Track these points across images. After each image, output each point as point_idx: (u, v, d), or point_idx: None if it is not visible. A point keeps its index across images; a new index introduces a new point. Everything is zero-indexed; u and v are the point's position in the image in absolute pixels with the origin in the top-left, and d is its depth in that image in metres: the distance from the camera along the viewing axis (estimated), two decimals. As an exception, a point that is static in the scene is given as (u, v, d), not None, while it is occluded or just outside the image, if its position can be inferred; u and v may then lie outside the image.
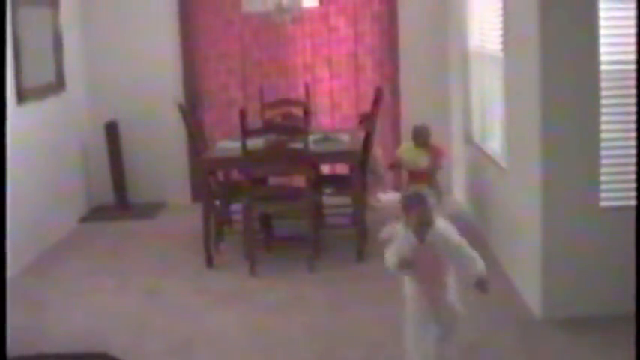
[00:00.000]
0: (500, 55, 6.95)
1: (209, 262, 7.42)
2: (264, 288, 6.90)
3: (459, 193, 9.11)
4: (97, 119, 9.54)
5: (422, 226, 4.61)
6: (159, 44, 9.64)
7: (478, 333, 5.72)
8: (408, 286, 4.90)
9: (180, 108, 7.82)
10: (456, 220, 7.00)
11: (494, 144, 7.59)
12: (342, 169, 9.13)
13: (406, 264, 4.64)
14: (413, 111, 9.53)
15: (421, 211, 4.59)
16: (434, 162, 7.85)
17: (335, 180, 8.66)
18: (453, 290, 4.88)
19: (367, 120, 8.20)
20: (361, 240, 7.49)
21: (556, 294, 5.85)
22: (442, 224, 4.71)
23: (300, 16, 9.45)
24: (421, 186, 6.84)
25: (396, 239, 4.78)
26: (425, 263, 4.67)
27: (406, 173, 8.17)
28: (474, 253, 4.73)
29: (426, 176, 7.75)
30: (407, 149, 8.04)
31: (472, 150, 8.40)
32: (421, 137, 7.80)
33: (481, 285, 4.69)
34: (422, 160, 7.82)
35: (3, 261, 3.04)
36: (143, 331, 6.10)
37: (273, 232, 8.08)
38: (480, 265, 4.70)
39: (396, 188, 9.45)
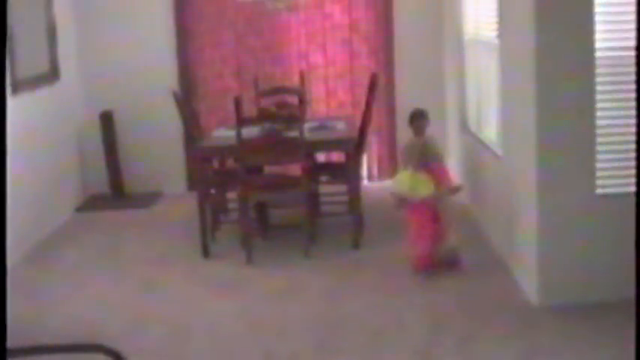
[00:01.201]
0: (496, 41, 6.94)
1: (205, 251, 7.42)
2: (260, 276, 6.90)
3: (454, 181, 9.10)
4: (92, 109, 9.52)
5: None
6: (153, 33, 9.63)
7: (474, 319, 5.73)
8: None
9: (175, 96, 7.80)
10: (452, 208, 7.04)
11: (490, 131, 7.58)
12: (337, 156, 9.12)
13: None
14: (408, 98, 9.52)
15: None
16: (439, 186, 6.77)
17: (331, 168, 8.66)
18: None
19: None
20: (357, 228, 7.49)
21: (552, 281, 5.86)
22: None
23: (294, 4, 9.45)
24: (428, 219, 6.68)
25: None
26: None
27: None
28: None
29: (433, 206, 6.72)
30: (402, 180, 6.84)
31: (468, 138, 8.40)
32: (418, 121, 7.49)
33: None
34: (423, 187, 6.68)
35: (3, 259, 3.02)
36: (139, 320, 6.10)
37: (269, 220, 8.08)
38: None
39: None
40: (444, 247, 6.64)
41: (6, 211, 3.21)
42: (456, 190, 7.10)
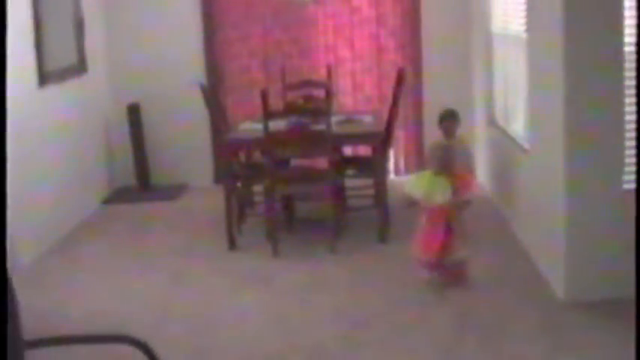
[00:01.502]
0: (524, 36, 6.91)
1: (231, 243, 7.43)
2: (286, 269, 6.90)
3: (482, 175, 9.07)
4: (119, 101, 9.56)
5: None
6: (180, 26, 9.65)
7: (500, 313, 5.71)
8: None
9: (202, 89, 7.82)
10: (479, 202, 7.02)
11: (518, 126, 7.55)
12: (364, 150, 9.11)
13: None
14: (435, 93, 9.51)
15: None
16: (457, 194, 6.27)
17: (357, 161, 8.64)
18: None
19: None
20: (383, 221, 7.47)
21: (580, 276, 5.83)
22: None
23: (321, -3, 9.44)
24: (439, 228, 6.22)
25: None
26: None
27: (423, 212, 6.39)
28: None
29: (446, 215, 6.24)
30: (418, 183, 6.44)
31: (495, 132, 8.36)
32: (447, 121, 7.56)
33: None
34: (440, 193, 6.20)
35: (3, 259, 3.03)
36: (165, 313, 6.11)
37: (295, 213, 8.07)
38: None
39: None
40: (451, 258, 6.26)
41: (6, 211, 3.22)
42: (465, 204, 6.44)
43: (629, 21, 5.56)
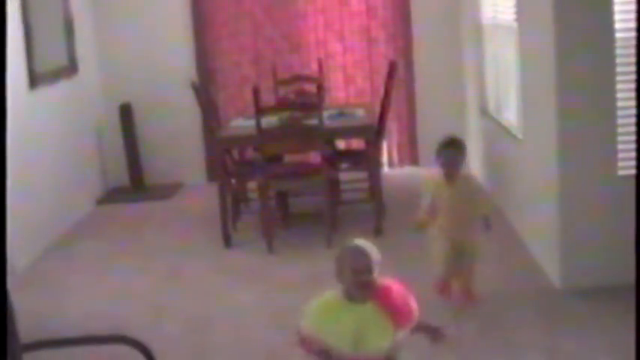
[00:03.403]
0: (514, 25, 6.90)
1: (227, 241, 7.42)
2: (282, 265, 6.90)
3: (475, 164, 9.07)
4: (111, 101, 9.54)
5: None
6: (170, 24, 9.63)
7: (497, 303, 5.71)
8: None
9: (194, 86, 7.81)
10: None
11: (510, 115, 7.55)
12: (357, 144, 9.11)
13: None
14: (427, 84, 9.53)
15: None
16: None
17: (351, 155, 8.64)
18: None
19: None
20: (378, 215, 7.47)
21: (575, 264, 5.83)
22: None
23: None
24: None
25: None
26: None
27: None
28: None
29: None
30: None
31: (487, 121, 8.36)
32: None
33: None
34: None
35: (3, 260, 3.02)
36: (162, 311, 6.10)
37: (289, 209, 8.07)
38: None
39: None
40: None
41: (6, 211, 3.22)
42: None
43: (619, 7, 5.56)
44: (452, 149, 5.55)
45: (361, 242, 3.83)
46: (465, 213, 5.60)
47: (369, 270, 3.72)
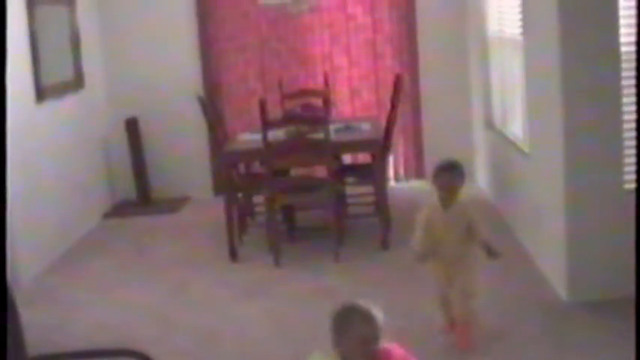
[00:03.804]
0: (520, 38, 6.92)
1: (233, 255, 7.42)
2: (288, 279, 6.89)
3: (481, 178, 9.07)
4: (117, 116, 9.55)
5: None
6: (177, 38, 9.64)
7: (504, 317, 5.71)
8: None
9: (200, 101, 7.82)
10: (480, 206, 7.01)
11: (516, 128, 7.55)
12: (363, 158, 9.11)
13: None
14: (433, 98, 9.53)
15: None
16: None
17: (357, 169, 8.64)
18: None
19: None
20: (385, 228, 7.47)
21: (582, 277, 5.82)
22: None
23: (317, 6, 9.44)
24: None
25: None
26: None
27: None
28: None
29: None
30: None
31: (493, 135, 8.36)
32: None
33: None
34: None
35: (3, 261, 3.03)
36: (169, 325, 6.11)
37: (296, 223, 8.07)
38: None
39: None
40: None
41: (6, 211, 3.23)
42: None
43: (625, 21, 5.57)
44: (448, 173, 5.20)
45: (365, 304, 3.48)
46: (459, 241, 5.24)
47: (376, 338, 3.40)
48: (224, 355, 5.55)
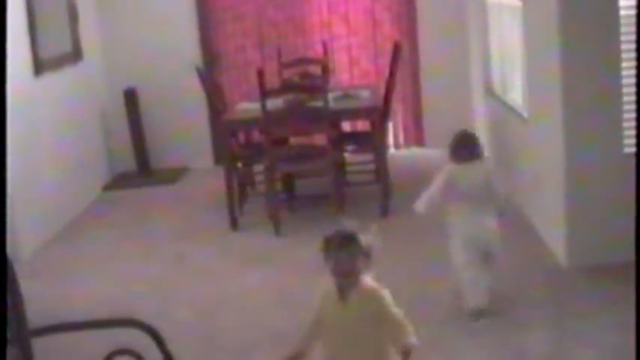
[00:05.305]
0: (519, 4, 6.88)
1: (233, 224, 7.42)
2: (289, 248, 6.90)
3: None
4: (116, 87, 9.52)
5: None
6: (174, 8, 9.61)
7: (505, 282, 5.70)
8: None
9: (198, 71, 7.80)
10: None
11: (515, 95, 7.53)
12: (363, 126, 9.10)
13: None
14: (432, 65, 9.49)
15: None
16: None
17: (356, 137, 8.63)
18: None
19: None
20: (385, 196, 7.47)
21: (581, 242, 5.83)
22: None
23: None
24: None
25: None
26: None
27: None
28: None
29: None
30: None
31: (493, 101, 8.34)
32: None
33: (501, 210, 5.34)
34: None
35: (3, 257, 3.03)
36: (169, 296, 6.12)
37: (296, 191, 8.07)
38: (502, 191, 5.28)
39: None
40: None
41: (6, 211, 3.22)
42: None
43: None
44: (346, 249, 3.84)
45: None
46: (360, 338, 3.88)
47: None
48: (225, 324, 5.56)
